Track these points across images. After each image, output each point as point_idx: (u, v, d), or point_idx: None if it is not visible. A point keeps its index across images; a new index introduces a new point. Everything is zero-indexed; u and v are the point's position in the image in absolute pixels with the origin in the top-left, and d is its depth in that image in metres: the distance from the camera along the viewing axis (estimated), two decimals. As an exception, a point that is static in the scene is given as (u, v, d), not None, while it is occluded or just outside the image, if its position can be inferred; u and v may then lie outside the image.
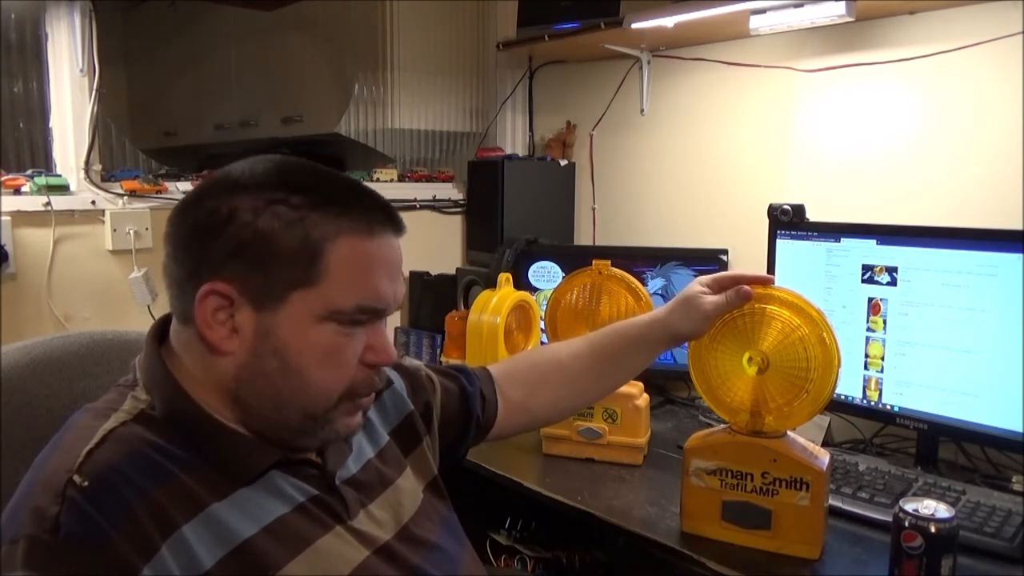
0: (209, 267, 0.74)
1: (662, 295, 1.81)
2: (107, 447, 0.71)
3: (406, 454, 0.96)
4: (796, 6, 1.52)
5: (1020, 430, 1.23)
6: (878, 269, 1.39)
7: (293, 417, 0.77)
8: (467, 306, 1.97)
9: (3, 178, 1.73)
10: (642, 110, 2.09)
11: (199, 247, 0.75)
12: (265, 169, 0.77)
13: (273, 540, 0.74)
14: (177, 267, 0.76)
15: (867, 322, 1.41)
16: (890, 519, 1.00)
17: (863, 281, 1.41)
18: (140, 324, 1.29)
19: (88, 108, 1.84)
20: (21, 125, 2.91)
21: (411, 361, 1.09)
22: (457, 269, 2.16)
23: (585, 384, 1.15)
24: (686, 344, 1.13)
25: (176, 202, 0.80)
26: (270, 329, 0.74)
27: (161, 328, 0.81)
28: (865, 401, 1.43)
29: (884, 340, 1.39)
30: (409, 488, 0.93)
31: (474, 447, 1.12)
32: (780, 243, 1.52)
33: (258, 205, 0.73)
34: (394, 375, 1.02)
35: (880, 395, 1.41)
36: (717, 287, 1.10)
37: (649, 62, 2.05)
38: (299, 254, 0.73)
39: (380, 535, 0.84)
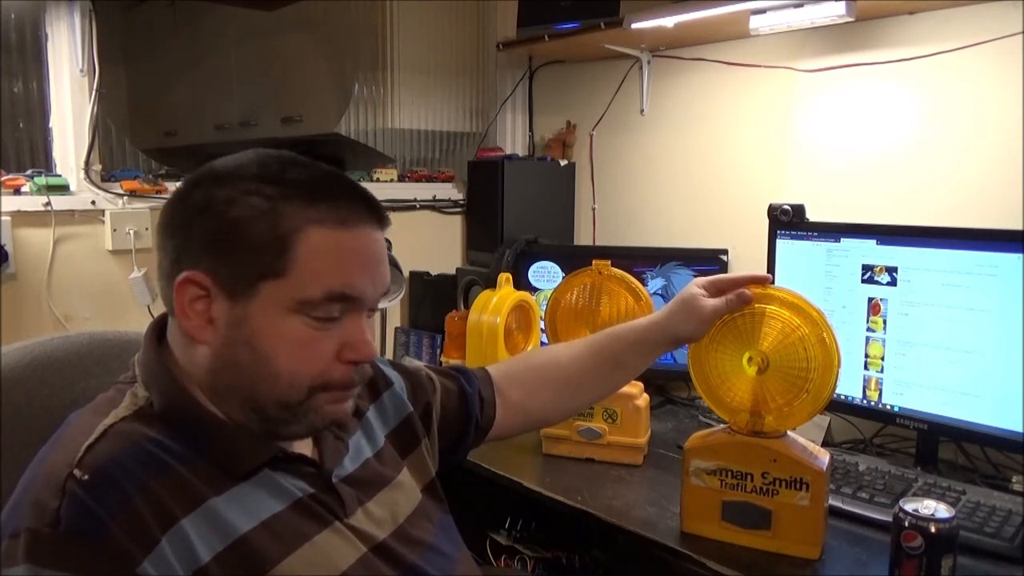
0: (187, 257, 0.75)
1: (662, 295, 1.81)
2: (107, 442, 0.71)
3: (403, 456, 0.96)
4: (796, 6, 1.52)
5: (1020, 430, 1.23)
6: (878, 269, 1.39)
7: (269, 407, 0.77)
8: (467, 306, 1.97)
9: (3, 178, 1.73)
10: (642, 110, 2.09)
11: (178, 237, 0.76)
12: (247, 160, 0.78)
13: (270, 535, 0.75)
14: (162, 257, 0.78)
15: (867, 322, 1.41)
16: (890, 519, 1.00)
17: (863, 281, 1.41)
18: (140, 324, 1.29)
19: (88, 108, 1.84)
20: (21, 125, 2.92)
21: (411, 362, 1.09)
22: (457, 269, 2.16)
23: (584, 386, 1.15)
24: (686, 344, 1.13)
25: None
26: (242, 319, 0.75)
27: (160, 326, 0.82)
28: (865, 401, 1.43)
29: (884, 340, 1.39)
30: (407, 487, 0.93)
31: (474, 448, 1.12)
32: (780, 243, 1.52)
33: (232, 195, 0.74)
34: (395, 375, 1.02)
35: (880, 395, 1.41)
36: (715, 290, 1.10)
37: (649, 62, 2.05)
38: (267, 244, 0.74)
39: (377, 533, 0.84)
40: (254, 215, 0.74)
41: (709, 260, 1.79)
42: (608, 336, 1.14)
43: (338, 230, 0.75)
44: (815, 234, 1.47)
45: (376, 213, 0.79)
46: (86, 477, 0.68)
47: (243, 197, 0.74)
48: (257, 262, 0.74)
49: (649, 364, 1.14)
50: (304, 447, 0.84)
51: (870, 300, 1.41)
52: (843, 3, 1.47)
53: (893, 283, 1.38)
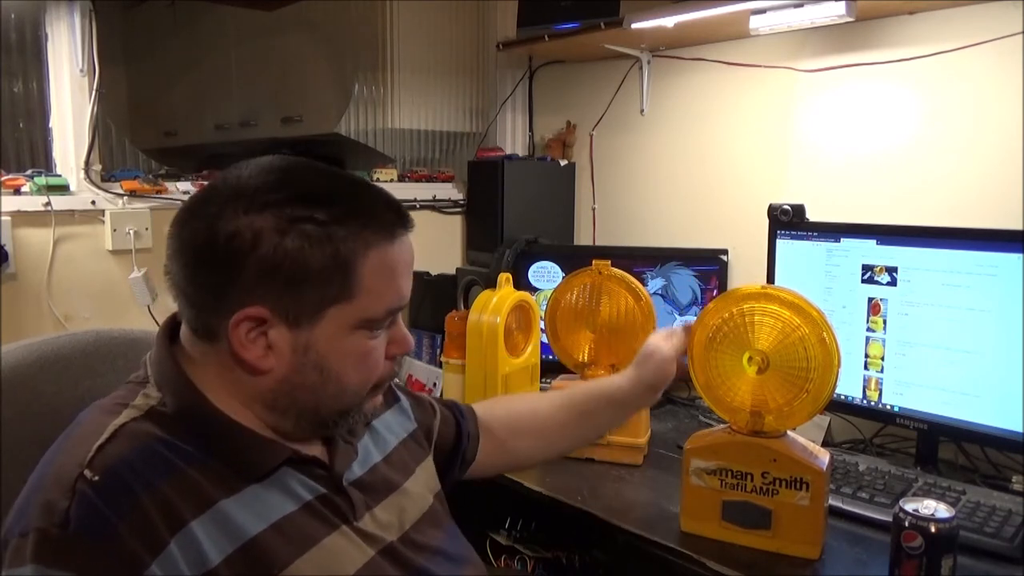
0: (239, 292, 0.73)
1: (662, 295, 1.81)
2: (117, 442, 0.71)
3: (415, 462, 0.98)
4: (796, 6, 1.52)
5: (1020, 430, 1.23)
6: (878, 269, 1.39)
7: (330, 416, 0.81)
8: (467, 306, 1.97)
9: (3, 178, 1.73)
10: (642, 110, 2.09)
11: (225, 272, 0.73)
12: (277, 180, 0.75)
13: (280, 537, 0.75)
14: (195, 288, 0.76)
15: (867, 322, 1.41)
16: (890, 519, 1.00)
17: (863, 281, 1.41)
18: (140, 324, 1.29)
19: (88, 108, 1.84)
20: (21, 125, 2.91)
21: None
22: (457, 269, 2.16)
23: (559, 438, 1.19)
24: (662, 390, 1.15)
25: (177, 203, 0.80)
26: (308, 345, 0.76)
27: (171, 326, 0.82)
28: (865, 401, 1.43)
29: (884, 340, 1.40)
30: (416, 493, 0.94)
31: (453, 481, 1.13)
32: (780, 243, 1.52)
33: (282, 225, 0.73)
34: (400, 394, 1.04)
35: (880, 395, 1.41)
36: (668, 334, 1.14)
37: (649, 62, 2.05)
38: (332, 272, 0.74)
39: (385, 536, 0.85)
40: (311, 243, 0.73)
41: (709, 260, 1.79)
42: (586, 391, 1.19)
43: (389, 246, 0.78)
44: (815, 234, 1.48)
45: (407, 219, 0.81)
46: (96, 478, 0.68)
47: (294, 225, 0.73)
48: (322, 290, 0.75)
49: (624, 420, 1.23)
50: (315, 449, 0.84)
51: (870, 300, 1.41)
52: (843, 3, 1.47)
53: (893, 283, 1.38)
